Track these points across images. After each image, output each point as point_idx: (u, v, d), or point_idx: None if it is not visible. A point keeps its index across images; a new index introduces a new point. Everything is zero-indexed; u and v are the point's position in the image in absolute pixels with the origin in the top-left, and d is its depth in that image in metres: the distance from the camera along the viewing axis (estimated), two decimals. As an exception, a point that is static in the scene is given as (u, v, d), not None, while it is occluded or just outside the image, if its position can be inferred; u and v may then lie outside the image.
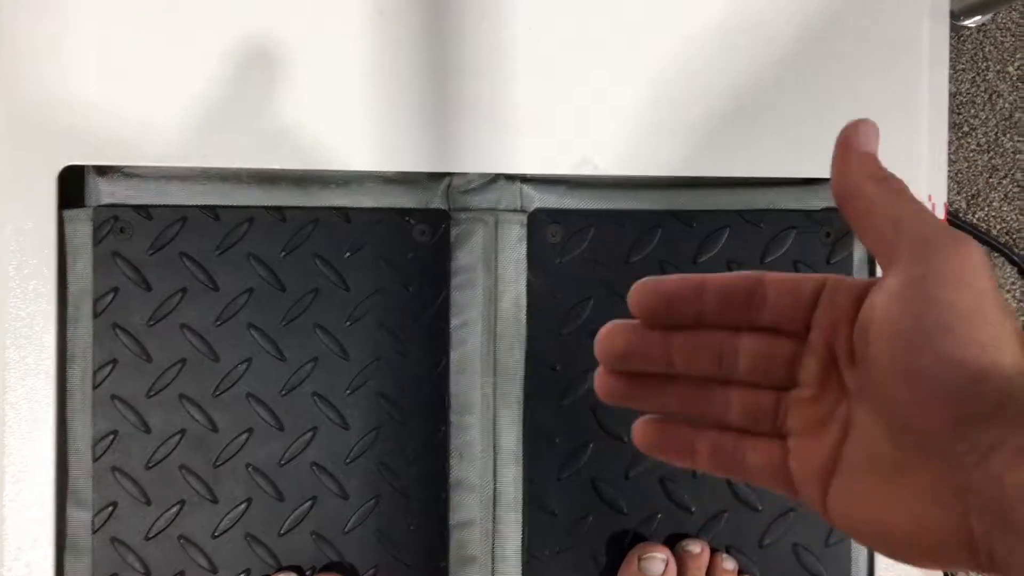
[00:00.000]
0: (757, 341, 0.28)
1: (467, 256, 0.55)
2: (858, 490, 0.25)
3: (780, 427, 0.28)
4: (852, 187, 0.26)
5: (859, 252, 0.56)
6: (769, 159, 0.56)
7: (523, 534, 0.55)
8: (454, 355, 0.55)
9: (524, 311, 0.55)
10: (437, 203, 0.55)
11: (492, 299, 0.55)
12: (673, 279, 0.28)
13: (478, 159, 0.55)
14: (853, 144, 0.26)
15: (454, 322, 0.55)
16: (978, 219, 0.79)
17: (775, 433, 0.28)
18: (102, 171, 0.54)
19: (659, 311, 0.28)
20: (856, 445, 0.25)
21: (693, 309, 0.28)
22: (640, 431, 0.30)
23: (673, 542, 0.54)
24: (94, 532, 0.53)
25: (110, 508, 0.53)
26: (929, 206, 0.57)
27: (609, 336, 0.29)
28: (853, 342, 0.25)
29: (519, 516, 0.55)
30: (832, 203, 0.56)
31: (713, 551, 0.54)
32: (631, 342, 0.29)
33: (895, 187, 0.26)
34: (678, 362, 0.29)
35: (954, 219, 0.77)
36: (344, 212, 0.54)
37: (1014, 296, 0.78)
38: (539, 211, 0.55)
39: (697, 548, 0.54)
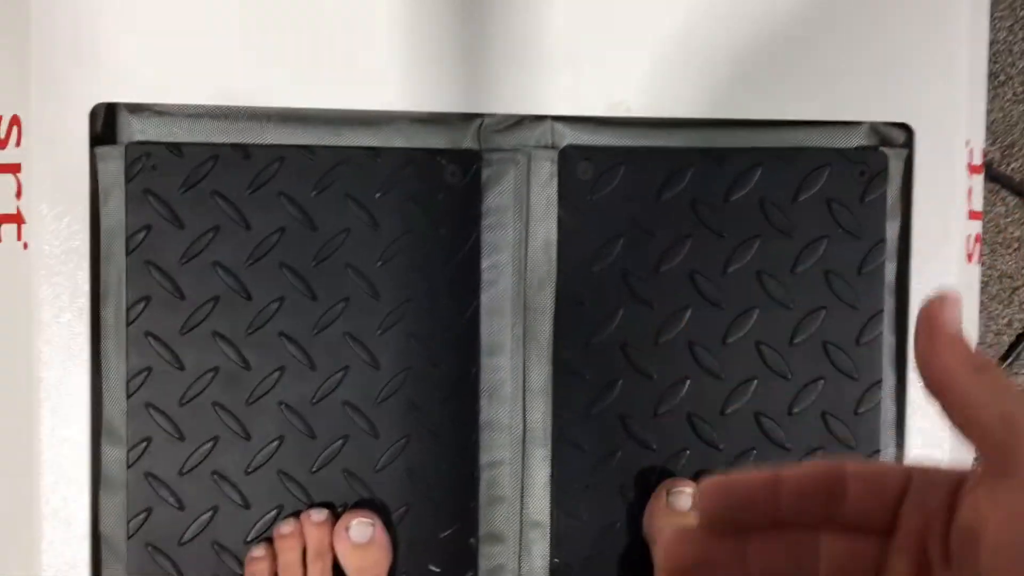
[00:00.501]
0: (838, 541, 0.25)
1: (498, 197, 0.55)
2: None
3: None
4: (945, 378, 0.23)
5: (892, 192, 0.55)
6: (804, 101, 0.55)
7: (552, 469, 0.55)
8: (485, 297, 0.55)
9: (555, 248, 0.55)
10: (468, 143, 0.55)
11: (523, 240, 0.55)
12: (745, 479, 0.25)
13: (510, 99, 0.54)
14: (939, 324, 0.23)
15: (485, 263, 0.55)
16: (1012, 170, 0.78)
17: None
18: (134, 109, 0.54)
19: (731, 515, 0.25)
20: None
21: (769, 510, 0.25)
22: None
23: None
24: (128, 467, 0.53)
25: (144, 444, 0.53)
26: (967, 152, 0.56)
27: (677, 547, 0.26)
28: (950, 543, 0.23)
29: (548, 452, 0.55)
30: (866, 142, 0.56)
31: None
32: (702, 552, 0.26)
33: (996, 378, 0.23)
34: (754, 570, 0.26)
35: (988, 170, 0.76)
36: (375, 151, 0.54)
37: (1046, 249, 0.77)
38: (570, 147, 0.55)
39: None
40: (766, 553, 0.25)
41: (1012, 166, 0.77)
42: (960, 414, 0.23)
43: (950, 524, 0.23)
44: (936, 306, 0.24)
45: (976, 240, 0.57)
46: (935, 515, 0.23)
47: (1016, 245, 0.77)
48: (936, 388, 0.23)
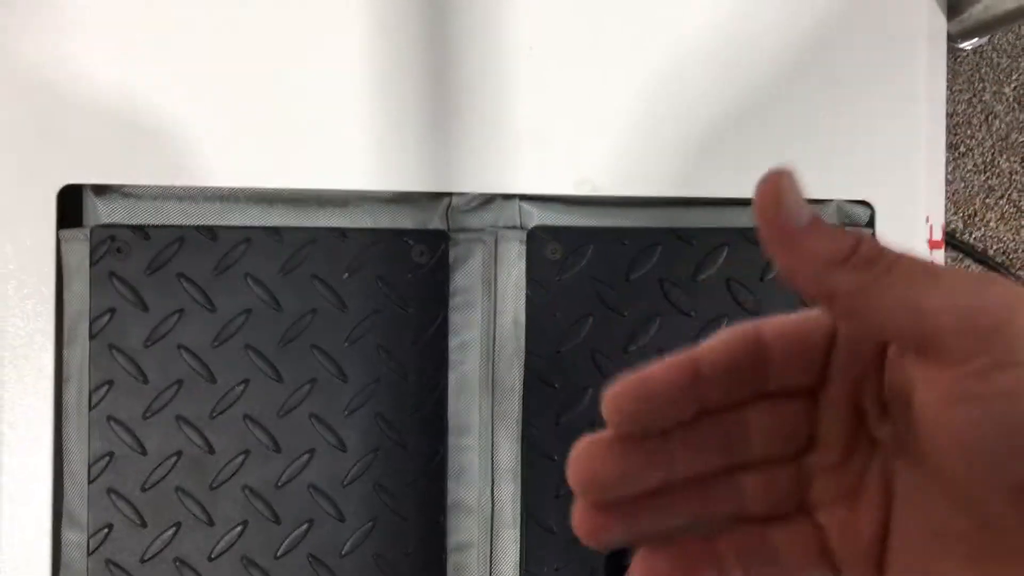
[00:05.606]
0: (765, 413, 0.23)
1: (466, 277, 0.55)
2: (928, 570, 0.20)
3: (806, 502, 0.23)
4: (823, 286, 0.20)
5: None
6: (767, 180, 0.56)
7: (520, 551, 0.54)
8: (452, 376, 0.54)
9: (523, 328, 0.55)
10: (436, 223, 0.55)
11: (490, 320, 0.55)
12: (659, 374, 0.22)
13: (477, 179, 0.55)
14: (789, 221, 0.20)
15: (452, 343, 0.55)
16: (975, 239, 0.79)
17: (802, 510, 0.23)
18: (100, 190, 0.54)
19: (651, 419, 0.22)
20: (910, 515, 0.21)
21: (691, 401, 0.22)
22: (647, 570, 0.23)
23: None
24: (89, 554, 0.52)
25: (105, 530, 0.52)
26: (927, 228, 0.57)
27: (590, 461, 0.22)
28: (883, 399, 0.21)
29: (517, 534, 0.54)
30: (833, 221, 0.57)
31: None
32: (623, 464, 0.22)
33: (886, 261, 0.20)
34: (681, 468, 0.22)
35: (951, 239, 0.77)
36: (342, 232, 0.54)
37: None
38: (538, 228, 0.55)
39: None
40: (692, 449, 0.22)
41: (974, 235, 0.79)
42: (851, 319, 0.21)
43: (882, 380, 0.21)
44: (776, 190, 0.20)
45: (939, 314, 0.58)
46: (868, 372, 0.22)
47: (981, 313, 0.78)
48: (817, 296, 0.20)
